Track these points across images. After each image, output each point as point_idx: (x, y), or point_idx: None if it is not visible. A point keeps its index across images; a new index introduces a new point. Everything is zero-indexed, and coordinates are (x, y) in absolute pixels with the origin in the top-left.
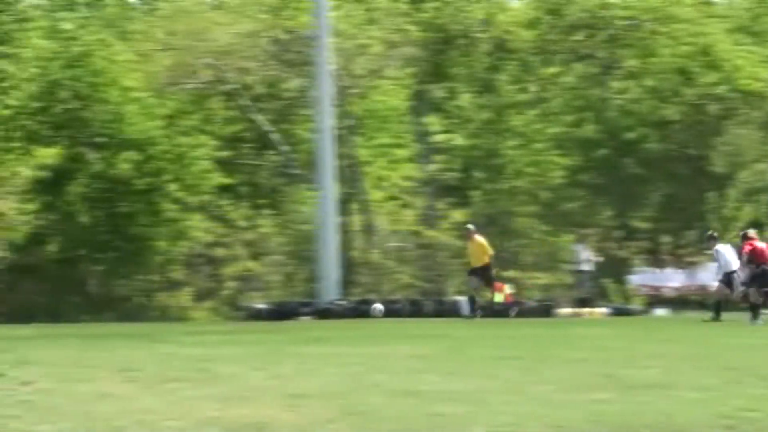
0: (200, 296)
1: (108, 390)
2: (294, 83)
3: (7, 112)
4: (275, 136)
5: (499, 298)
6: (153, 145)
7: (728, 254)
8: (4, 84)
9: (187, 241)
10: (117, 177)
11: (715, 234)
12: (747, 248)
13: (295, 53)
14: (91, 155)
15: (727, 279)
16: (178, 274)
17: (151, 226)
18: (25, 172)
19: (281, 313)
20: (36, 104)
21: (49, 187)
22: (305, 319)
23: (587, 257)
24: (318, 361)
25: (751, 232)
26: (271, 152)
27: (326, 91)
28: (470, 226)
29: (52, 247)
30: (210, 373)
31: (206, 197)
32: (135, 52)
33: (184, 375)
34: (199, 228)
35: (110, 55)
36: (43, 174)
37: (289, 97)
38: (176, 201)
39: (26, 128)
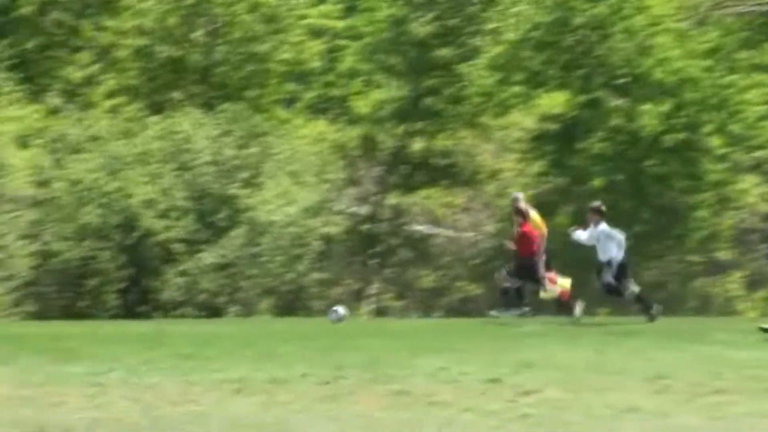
0: (753, 283)
1: (634, 403)
2: None
3: (503, 48)
4: None
5: (550, 294)
6: (690, 89)
7: None
8: (498, 10)
9: (737, 211)
10: (643, 129)
11: None
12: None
13: None
14: (610, 102)
15: None
16: (725, 253)
17: (688, 192)
18: (527, 123)
19: None
20: (540, 38)
21: (557, 142)
22: None
23: None
24: None
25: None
26: None
27: None
28: (519, 195)
29: (561, 219)
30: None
31: (762, 154)
32: None
33: (732, 385)
34: (753, 194)
35: None
36: (549, 126)
37: None
38: (721, 159)
39: (528, 68)
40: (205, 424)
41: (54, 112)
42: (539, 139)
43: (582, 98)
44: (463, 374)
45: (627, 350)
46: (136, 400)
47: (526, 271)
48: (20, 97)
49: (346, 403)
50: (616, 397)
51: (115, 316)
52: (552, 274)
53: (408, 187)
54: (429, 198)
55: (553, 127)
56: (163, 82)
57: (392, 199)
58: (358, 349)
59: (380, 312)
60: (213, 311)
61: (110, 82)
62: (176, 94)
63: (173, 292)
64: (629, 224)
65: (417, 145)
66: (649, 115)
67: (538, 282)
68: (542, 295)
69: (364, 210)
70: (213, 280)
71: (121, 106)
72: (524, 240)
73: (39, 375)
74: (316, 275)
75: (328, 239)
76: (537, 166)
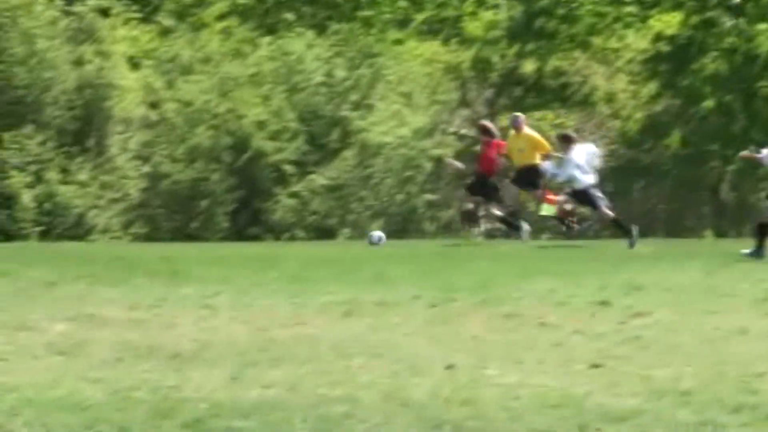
0: None
1: (743, 325)
2: None
3: None
4: None
5: (549, 210)
6: None
7: None
8: None
9: None
10: (757, 50)
11: None
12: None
13: None
14: (725, 22)
15: None
16: None
17: None
18: (640, 44)
19: None
20: None
21: (670, 63)
22: None
23: None
24: None
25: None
26: None
27: None
28: (519, 115)
29: (672, 140)
30: None
31: None
32: None
33: None
34: None
35: None
36: (663, 47)
37: None
38: None
39: None
40: (315, 346)
41: (165, 32)
42: (652, 60)
43: (696, 18)
44: (572, 296)
45: (736, 272)
46: (245, 323)
47: (485, 190)
48: (132, 18)
49: (455, 325)
50: (725, 319)
51: (225, 238)
52: (550, 196)
53: (520, 108)
54: (541, 119)
55: (666, 47)
56: (275, 3)
57: (504, 121)
58: (467, 271)
59: (490, 234)
60: (323, 233)
61: (222, 2)
62: (288, 15)
63: (284, 214)
64: (741, 145)
65: (529, 66)
66: (765, 35)
67: (494, 200)
68: (542, 212)
69: (475, 131)
70: (324, 202)
71: (232, 26)
72: (486, 161)
73: (149, 297)
74: (427, 197)
75: (439, 161)
76: (649, 88)
